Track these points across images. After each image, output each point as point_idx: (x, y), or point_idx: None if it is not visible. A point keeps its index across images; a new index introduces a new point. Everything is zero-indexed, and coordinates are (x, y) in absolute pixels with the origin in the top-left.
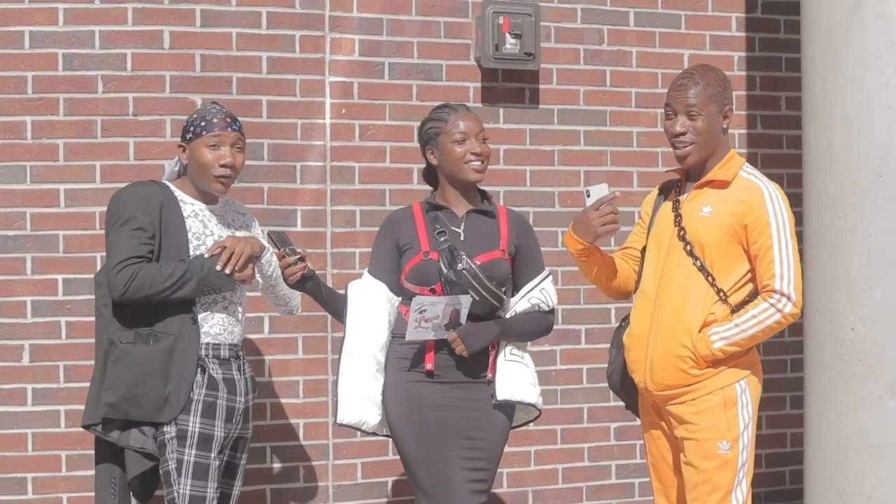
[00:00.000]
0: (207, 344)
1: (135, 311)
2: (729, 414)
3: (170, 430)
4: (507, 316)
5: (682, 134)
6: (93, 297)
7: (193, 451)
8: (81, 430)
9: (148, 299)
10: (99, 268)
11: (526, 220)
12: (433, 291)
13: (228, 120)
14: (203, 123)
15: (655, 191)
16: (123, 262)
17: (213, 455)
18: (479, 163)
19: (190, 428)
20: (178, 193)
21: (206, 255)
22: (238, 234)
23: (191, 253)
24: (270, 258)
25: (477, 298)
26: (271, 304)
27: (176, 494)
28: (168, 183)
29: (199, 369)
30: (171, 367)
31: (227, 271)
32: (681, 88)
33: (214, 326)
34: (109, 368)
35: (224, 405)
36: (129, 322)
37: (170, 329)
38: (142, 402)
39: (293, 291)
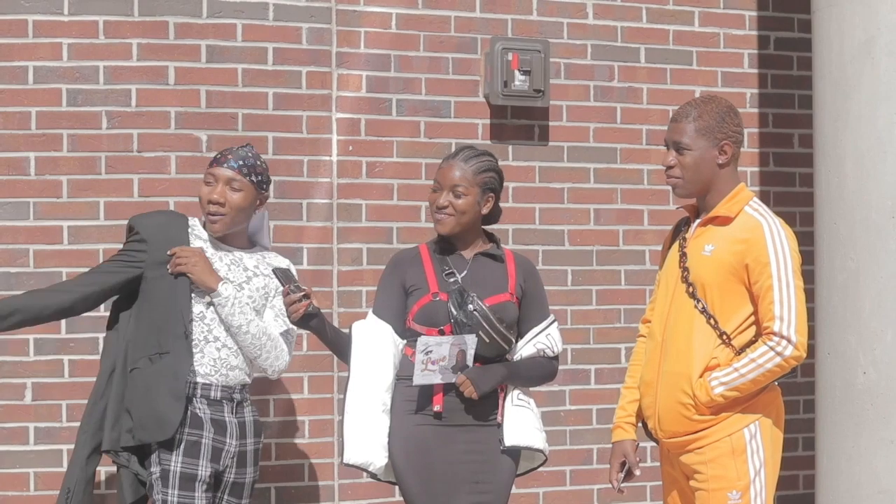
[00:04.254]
0: (196, 383)
1: (146, 337)
2: (738, 462)
3: (155, 471)
4: (514, 360)
5: (671, 167)
6: (95, 335)
7: (176, 492)
8: None
9: None
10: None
11: (532, 265)
12: (442, 333)
13: (229, 157)
14: (210, 160)
15: (671, 230)
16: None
17: (196, 494)
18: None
19: (172, 468)
20: (198, 230)
21: None
22: (253, 280)
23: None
24: (224, 298)
25: (487, 340)
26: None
27: None
28: (193, 218)
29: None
30: (165, 384)
31: (169, 269)
32: (673, 120)
33: (204, 366)
34: (125, 394)
35: (209, 444)
36: (141, 347)
37: (166, 347)
38: (147, 423)
39: (260, 350)
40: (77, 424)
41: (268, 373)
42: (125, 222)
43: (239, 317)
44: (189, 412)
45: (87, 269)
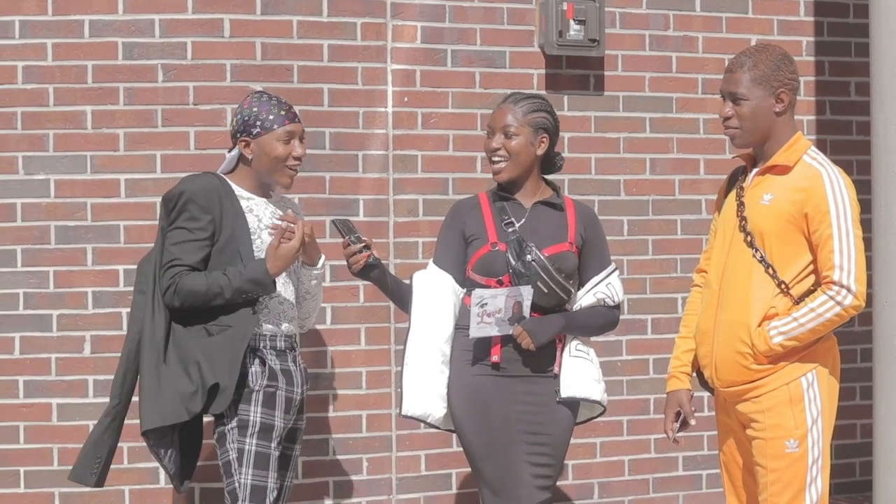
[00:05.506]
0: (264, 335)
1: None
2: (795, 410)
3: (230, 421)
4: (573, 310)
5: (728, 118)
6: None
7: (255, 441)
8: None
9: (192, 308)
10: None
11: (594, 213)
12: (500, 283)
13: (293, 112)
14: (271, 117)
15: (726, 179)
16: (169, 265)
17: (273, 445)
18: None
19: (251, 418)
20: (235, 187)
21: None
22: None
23: (252, 247)
24: (320, 273)
25: (545, 291)
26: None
27: (237, 484)
28: (224, 176)
29: (258, 360)
30: (223, 357)
31: (275, 243)
32: (728, 71)
33: (270, 321)
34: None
35: (283, 396)
36: (194, 317)
37: (230, 320)
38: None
39: (313, 312)
40: None
41: (304, 328)
42: (182, 175)
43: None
44: (266, 366)
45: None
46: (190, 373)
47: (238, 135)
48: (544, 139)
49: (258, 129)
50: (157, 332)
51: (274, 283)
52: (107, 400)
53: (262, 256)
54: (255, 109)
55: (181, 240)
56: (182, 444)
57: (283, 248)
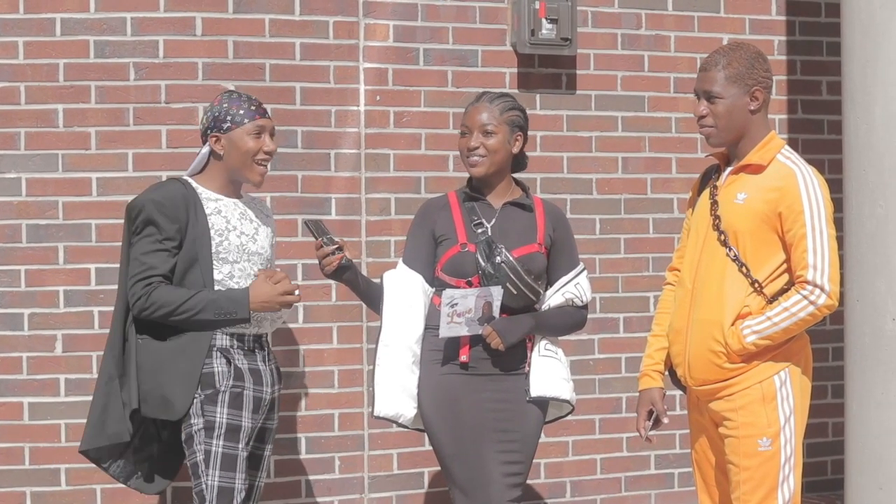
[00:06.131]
0: (231, 334)
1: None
2: (768, 409)
3: (197, 422)
4: (542, 309)
5: (703, 117)
6: None
7: (221, 442)
8: None
9: (162, 321)
10: None
11: (562, 213)
12: (469, 284)
13: (263, 108)
14: (241, 112)
15: (699, 178)
16: (139, 278)
17: (240, 446)
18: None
19: (217, 419)
20: (201, 190)
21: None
22: (260, 230)
23: (213, 250)
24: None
25: (514, 292)
26: None
27: (204, 486)
28: (189, 179)
29: (224, 360)
30: (177, 366)
31: (279, 290)
32: (702, 70)
33: None
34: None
35: (251, 396)
36: (149, 323)
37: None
38: (149, 398)
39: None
40: None
41: (275, 325)
42: (154, 174)
43: None
44: (232, 366)
45: (142, 270)
46: (137, 386)
47: (209, 131)
48: (519, 137)
49: (229, 124)
50: (116, 345)
51: (249, 315)
52: (78, 399)
53: (228, 258)
54: (225, 105)
55: (151, 249)
56: (162, 444)
57: (276, 298)
